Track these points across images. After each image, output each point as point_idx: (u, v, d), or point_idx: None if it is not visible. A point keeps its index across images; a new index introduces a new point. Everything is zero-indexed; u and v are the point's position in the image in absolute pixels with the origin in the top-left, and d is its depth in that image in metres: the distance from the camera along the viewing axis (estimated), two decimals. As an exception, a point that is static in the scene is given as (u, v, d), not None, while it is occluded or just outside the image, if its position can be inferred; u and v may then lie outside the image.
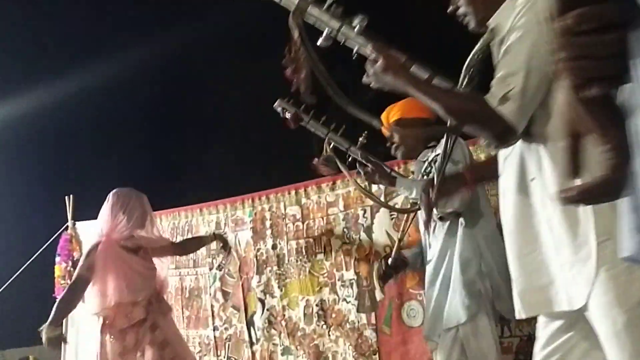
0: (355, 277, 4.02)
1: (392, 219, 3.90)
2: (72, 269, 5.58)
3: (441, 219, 2.89)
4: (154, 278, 3.79)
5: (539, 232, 1.76)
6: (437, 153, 2.96)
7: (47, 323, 3.56)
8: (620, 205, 1.47)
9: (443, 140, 2.87)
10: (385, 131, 3.12)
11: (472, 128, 1.82)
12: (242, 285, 4.69)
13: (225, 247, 4.10)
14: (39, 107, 8.66)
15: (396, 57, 1.89)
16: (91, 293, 3.63)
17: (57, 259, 5.67)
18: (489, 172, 2.24)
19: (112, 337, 3.57)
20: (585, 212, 1.64)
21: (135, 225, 3.71)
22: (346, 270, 4.10)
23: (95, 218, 5.69)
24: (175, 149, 10.80)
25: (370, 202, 3.99)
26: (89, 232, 5.71)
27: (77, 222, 5.83)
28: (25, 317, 7.47)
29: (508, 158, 1.88)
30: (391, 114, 3.09)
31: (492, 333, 2.76)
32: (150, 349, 3.58)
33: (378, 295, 3.94)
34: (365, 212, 3.95)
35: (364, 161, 3.09)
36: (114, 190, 3.84)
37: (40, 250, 5.85)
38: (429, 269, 2.97)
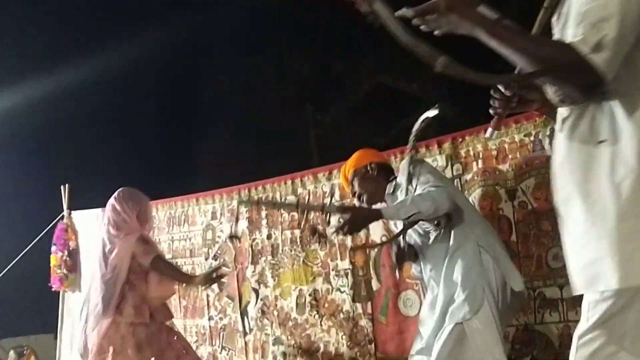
0: (350, 267, 4.02)
1: (388, 209, 3.90)
2: (67, 259, 5.58)
3: (437, 224, 2.94)
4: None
5: (604, 199, 1.56)
6: (398, 178, 3.18)
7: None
8: None
9: (403, 166, 3.13)
10: (346, 188, 3.36)
11: (554, 78, 1.60)
12: (237, 275, 4.69)
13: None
14: (34, 97, 8.63)
15: None
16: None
17: (53, 248, 5.67)
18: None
19: (128, 327, 3.61)
20: None
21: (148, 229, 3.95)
22: (341, 260, 4.10)
23: (91, 207, 5.73)
24: (172, 139, 10.79)
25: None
26: (85, 222, 5.71)
27: (72, 212, 5.82)
28: (21, 306, 7.49)
29: (568, 118, 1.67)
30: (347, 172, 3.29)
31: (497, 328, 2.77)
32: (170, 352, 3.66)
33: (374, 284, 3.94)
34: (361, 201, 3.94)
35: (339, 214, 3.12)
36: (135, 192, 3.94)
37: (36, 239, 5.84)
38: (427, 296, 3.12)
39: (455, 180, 3.64)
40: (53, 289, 5.68)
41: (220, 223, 4.91)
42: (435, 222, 2.91)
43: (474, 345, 2.74)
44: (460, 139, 3.65)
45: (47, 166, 8.79)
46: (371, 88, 11.01)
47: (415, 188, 2.97)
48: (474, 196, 3.54)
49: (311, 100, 11.72)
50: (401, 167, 3.17)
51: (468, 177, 3.58)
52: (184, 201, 5.24)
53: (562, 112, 1.70)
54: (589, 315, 1.58)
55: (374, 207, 3.18)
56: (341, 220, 2.93)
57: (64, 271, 5.59)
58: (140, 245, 3.71)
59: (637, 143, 1.51)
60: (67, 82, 8.84)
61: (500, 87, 1.80)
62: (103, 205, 5.62)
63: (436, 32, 1.60)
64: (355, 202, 3.32)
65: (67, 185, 5.84)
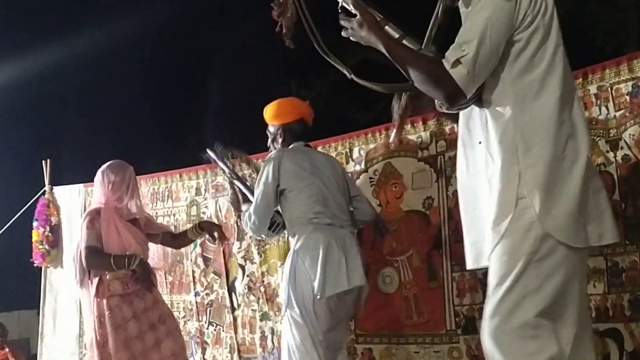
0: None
1: (371, 185, 3.90)
2: (49, 234, 5.54)
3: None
4: (147, 251, 3.85)
5: (481, 190, 1.98)
6: None
7: (127, 264, 3.61)
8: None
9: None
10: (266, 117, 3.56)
11: (426, 87, 1.97)
12: (224, 251, 4.68)
13: (214, 234, 4.03)
14: (15, 73, 8.50)
15: (372, 14, 2.05)
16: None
17: (35, 223, 5.62)
18: None
19: (113, 301, 3.59)
20: (514, 174, 1.89)
21: (130, 197, 3.77)
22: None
23: (73, 182, 5.67)
24: (155, 114, 10.69)
25: (351, 169, 3.98)
26: (67, 197, 5.66)
27: (54, 187, 5.76)
28: (3, 282, 7.43)
29: (469, 121, 2.07)
30: (270, 116, 3.52)
31: (308, 325, 3.14)
32: (160, 325, 3.69)
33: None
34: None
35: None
36: (108, 163, 3.84)
37: (18, 215, 5.79)
38: None
39: (439, 157, 3.65)
40: (35, 265, 5.65)
41: (205, 199, 4.89)
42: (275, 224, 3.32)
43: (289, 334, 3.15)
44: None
45: (28, 141, 8.68)
46: (356, 63, 10.96)
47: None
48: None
49: (295, 76, 11.64)
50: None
51: (452, 153, 3.58)
52: (168, 176, 5.19)
53: (460, 119, 2.12)
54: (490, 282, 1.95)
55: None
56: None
57: (46, 247, 5.55)
58: (85, 228, 3.66)
59: (500, 145, 1.92)
60: (49, 59, 8.71)
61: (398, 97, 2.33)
62: (85, 180, 5.60)
63: (354, 40, 2.08)
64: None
65: (48, 160, 5.78)
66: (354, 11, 2.06)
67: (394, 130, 2.43)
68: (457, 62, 1.85)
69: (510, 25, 1.90)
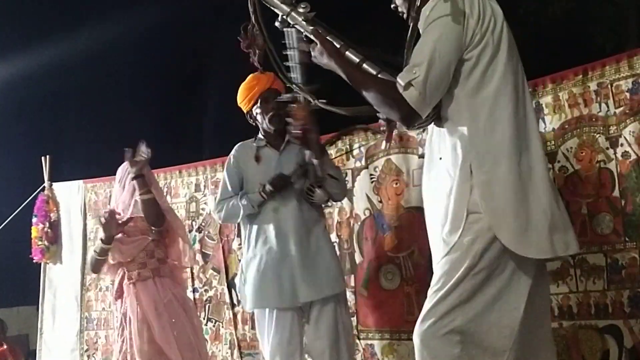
0: (337, 240, 4.02)
1: (372, 182, 3.90)
2: (49, 230, 5.53)
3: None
4: (131, 250, 3.83)
5: (441, 203, 2.04)
6: None
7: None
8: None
9: None
10: (260, 87, 3.46)
11: (383, 109, 2.09)
12: (223, 247, 4.68)
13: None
14: (15, 69, 8.49)
15: (331, 43, 2.17)
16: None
17: (34, 219, 5.61)
18: None
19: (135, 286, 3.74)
20: (467, 189, 1.96)
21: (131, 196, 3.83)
22: (326, 233, 4.09)
23: (72, 179, 5.67)
24: (154, 110, 10.69)
25: (351, 166, 3.98)
26: (66, 193, 5.65)
27: (54, 183, 5.75)
28: (3, 278, 7.43)
29: (432, 137, 2.15)
30: (273, 83, 3.41)
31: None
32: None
33: (357, 258, 3.96)
34: (346, 175, 3.93)
35: None
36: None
37: (17, 211, 5.78)
38: None
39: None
40: (34, 261, 5.64)
41: (204, 195, 4.88)
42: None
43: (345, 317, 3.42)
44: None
45: (28, 137, 8.68)
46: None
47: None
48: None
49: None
50: None
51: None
52: (167, 173, 5.18)
53: (429, 131, 2.19)
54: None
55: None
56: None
57: (45, 243, 5.54)
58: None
59: (455, 161, 1.99)
60: (48, 55, 8.70)
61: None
62: (84, 176, 5.60)
63: (317, 63, 2.23)
64: (260, 119, 3.45)
65: (48, 156, 5.77)
66: (315, 40, 2.20)
67: (384, 137, 2.49)
68: (409, 85, 1.92)
69: (459, 45, 1.96)
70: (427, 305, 2.03)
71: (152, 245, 3.82)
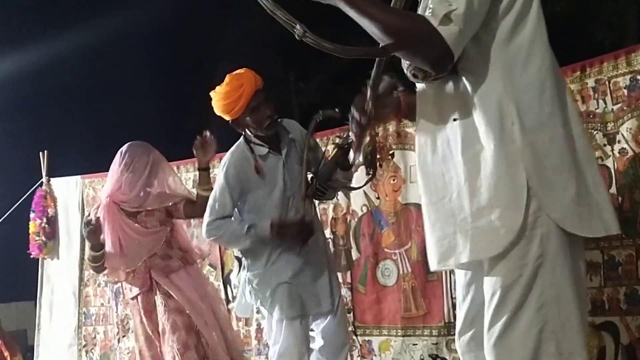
0: (331, 237, 4.02)
1: (370, 178, 3.89)
2: (46, 226, 5.53)
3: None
4: (154, 242, 3.60)
5: (452, 177, 1.67)
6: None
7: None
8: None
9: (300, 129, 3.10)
10: (244, 99, 3.06)
11: (407, 50, 1.62)
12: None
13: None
14: (13, 63, 8.47)
15: None
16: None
17: (32, 215, 5.61)
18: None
19: (129, 303, 3.61)
20: (513, 154, 1.58)
21: (143, 184, 3.57)
22: (323, 229, 4.10)
23: (70, 174, 5.66)
24: (153, 105, 10.68)
25: (349, 162, 3.97)
26: (64, 189, 5.65)
27: (51, 178, 5.75)
28: (0, 274, 7.41)
29: (425, 96, 1.76)
30: (257, 82, 3.09)
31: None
32: (169, 316, 3.52)
33: (354, 254, 3.96)
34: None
35: None
36: (124, 147, 3.64)
37: (14, 206, 5.77)
38: None
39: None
40: (32, 256, 5.64)
41: (202, 191, 4.87)
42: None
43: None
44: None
45: (25, 133, 8.65)
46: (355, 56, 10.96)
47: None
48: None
49: (294, 69, 11.62)
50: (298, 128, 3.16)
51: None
52: (165, 169, 5.17)
53: (424, 89, 1.76)
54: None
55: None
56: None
57: (43, 238, 5.54)
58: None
59: (489, 120, 1.59)
60: (46, 50, 8.68)
61: (354, 113, 1.89)
62: (82, 172, 5.59)
63: None
64: (252, 127, 3.07)
65: (45, 152, 5.76)
66: None
67: (353, 148, 2.02)
68: (446, 18, 1.52)
69: None
70: (498, 319, 1.60)
71: (169, 235, 3.65)
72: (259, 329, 4.39)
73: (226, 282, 4.62)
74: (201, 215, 3.24)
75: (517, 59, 1.62)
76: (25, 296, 7.06)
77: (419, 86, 1.79)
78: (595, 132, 3.04)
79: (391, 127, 3.85)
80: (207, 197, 3.18)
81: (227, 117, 3.08)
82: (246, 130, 3.10)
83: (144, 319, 3.57)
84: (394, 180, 3.82)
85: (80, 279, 5.45)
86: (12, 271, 6.94)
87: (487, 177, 1.59)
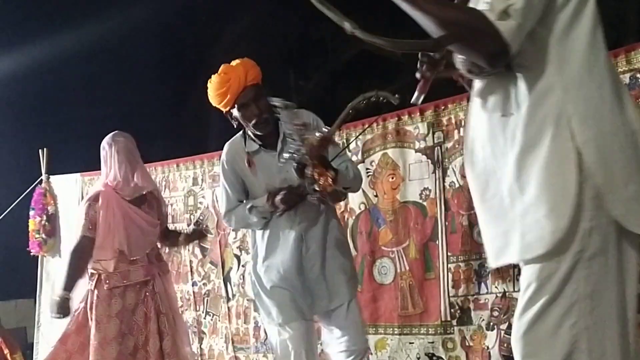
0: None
1: (368, 176, 3.90)
2: (46, 223, 5.54)
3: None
4: (156, 235, 3.63)
5: (504, 174, 1.63)
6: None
7: (61, 290, 3.36)
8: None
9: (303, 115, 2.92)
10: (231, 94, 2.95)
11: (463, 44, 1.58)
12: (220, 241, 4.69)
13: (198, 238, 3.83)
14: (12, 61, 8.47)
15: None
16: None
17: (31, 212, 5.62)
18: None
19: (108, 294, 3.42)
20: (569, 151, 1.53)
21: (139, 175, 3.55)
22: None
23: (69, 172, 5.67)
24: (153, 103, 10.67)
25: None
26: (64, 186, 5.66)
27: (51, 176, 5.75)
28: (0, 271, 7.41)
29: (478, 91, 1.72)
30: (247, 79, 2.95)
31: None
32: (152, 317, 3.47)
33: (352, 252, 3.95)
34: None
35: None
36: (111, 136, 3.60)
37: (14, 204, 5.78)
38: None
39: (437, 148, 3.65)
40: (32, 254, 5.65)
41: (202, 189, 4.89)
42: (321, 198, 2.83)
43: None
44: (443, 107, 3.65)
45: (25, 130, 8.65)
46: (354, 54, 10.93)
47: (332, 154, 2.82)
48: (455, 164, 3.55)
49: (293, 66, 11.61)
50: (302, 114, 2.99)
51: (449, 145, 3.59)
52: (165, 166, 5.19)
53: (477, 84, 1.72)
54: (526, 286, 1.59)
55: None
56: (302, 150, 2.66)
57: (43, 236, 5.55)
58: (86, 210, 3.48)
59: (545, 116, 1.55)
60: (47, 47, 8.68)
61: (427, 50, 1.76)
62: (81, 169, 5.60)
63: None
64: (243, 123, 2.96)
65: (45, 149, 5.77)
66: None
67: (418, 88, 1.89)
68: (504, 14, 1.49)
69: None
70: (534, 307, 1.57)
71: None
72: (257, 327, 4.40)
73: (226, 279, 4.63)
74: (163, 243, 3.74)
75: (575, 53, 1.57)
76: (25, 294, 7.06)
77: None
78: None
79: (390, 125, 3.86)
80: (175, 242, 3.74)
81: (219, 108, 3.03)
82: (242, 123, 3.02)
83: (114, 310, 3.44)
84: (392, 178, 3.82)
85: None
86: (12, 269, 6.95)
87: (537, 174, 1.56)
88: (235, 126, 3.05)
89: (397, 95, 2.61)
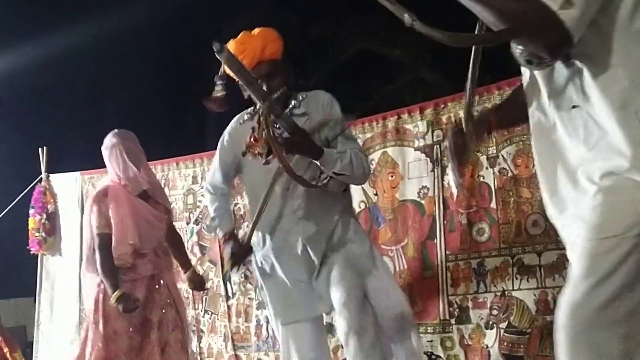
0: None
1: (368, 175, 3.90)
2: (46, 222, 5.53)
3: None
4: (163, 229, 3.63)
5: (569, 168, 1.61)
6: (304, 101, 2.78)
7: (112, 295, 3.32)
8: None
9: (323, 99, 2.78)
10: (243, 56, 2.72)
11: (525, 36, 1.54)
12: (219, 240, 4.68)
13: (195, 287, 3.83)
14: (13, 59, 8.48)
15: None
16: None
17: (31, 211, 5.62)
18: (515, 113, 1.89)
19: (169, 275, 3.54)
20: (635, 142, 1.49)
21: (143, 171, 3.55)
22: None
23: (69, 170, 5.67)
24: (152, 101, 10.68)
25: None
26: (63, 185, 5.66)
27: (51, 174, 5.75)
28: (0, 270, 7.44)
29: (537, 85, 1.69)
30: (264, 52, 2.74)
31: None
32: (161, 310, 3.48)
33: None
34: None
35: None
36: (114, 134, 3.58)
37: (14, 202, 5.78)
38: None
39: (436, 147, 3.65)
40: (32, 252, 5.65)
41: (202, 187, 4.88)
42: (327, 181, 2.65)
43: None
44: (442, 105, 3.65)
45: (25, 129, 8.67)
46: (354, 53, 10.94)
47: (333, 136, 2.70)
48: (454, 162, 3.55)
49: (293, 66, 11.63)
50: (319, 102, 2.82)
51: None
52: (164, 165, 5.19)
53: (534, 85, 1.69)
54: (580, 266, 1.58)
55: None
56: (284, 135, 2.53)
57: (43, 234, 5.54)
58: (97, 206, 3.45)
59: (612, 108, 1.51)
60: (47, 46, 8.69)
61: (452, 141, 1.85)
62: (82, 168, 5.60)
63: None
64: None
65: (45, 148, 5.77)
66: None
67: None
68: (566, 3, 1.46)
69: None
70: (580, 290, 1.55)
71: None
72: (259, 325, 4.40)
73: (225, 278, 4.62)
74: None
75: (639, 43, 1.52)
76: (25, 292, 7.08)
77: (525, 77, 1.75)
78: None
79: (390, 123, 3.86)
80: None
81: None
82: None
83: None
84: (392, 176, 3.82)
85: (81, 274, 5.45)
86: (12, 267, 6.96)
87: (604, 164, 1.53)
88: (245, 97, 2.78)
89: None
